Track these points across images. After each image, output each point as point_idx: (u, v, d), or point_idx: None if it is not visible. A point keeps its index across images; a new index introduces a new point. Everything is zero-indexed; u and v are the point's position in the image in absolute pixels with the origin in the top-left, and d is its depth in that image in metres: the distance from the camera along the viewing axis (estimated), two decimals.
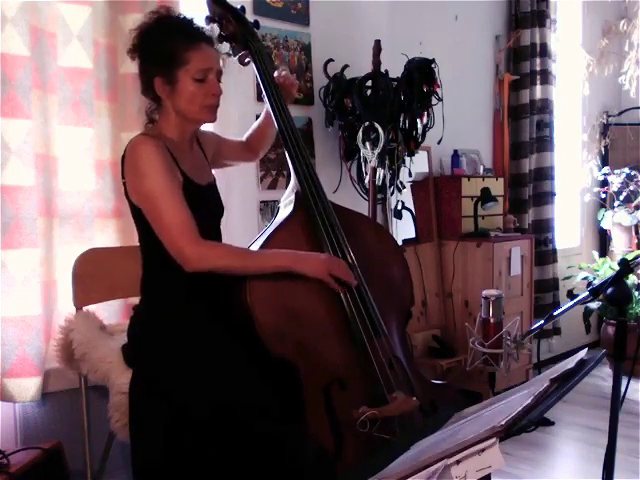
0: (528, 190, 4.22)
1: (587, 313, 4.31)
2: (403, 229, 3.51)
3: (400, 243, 3.38)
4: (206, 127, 1.98)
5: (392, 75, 3.03)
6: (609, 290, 1.52)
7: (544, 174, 4.32)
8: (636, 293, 4.18)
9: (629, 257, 1.61)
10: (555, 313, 1.77)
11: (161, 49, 1.73)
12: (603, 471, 1.50)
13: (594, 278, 4.34)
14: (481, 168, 3.96)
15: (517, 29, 4.20)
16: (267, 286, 1.71)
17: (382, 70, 3.01)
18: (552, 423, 3.36)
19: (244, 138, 2.16)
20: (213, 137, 2.04)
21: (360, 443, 1.63)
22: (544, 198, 4.33)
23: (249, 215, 2.85)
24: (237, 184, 2.75)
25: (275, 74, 2.03)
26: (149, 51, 1.75)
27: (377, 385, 1.70)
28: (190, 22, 1.80)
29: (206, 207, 1.80)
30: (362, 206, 2.96)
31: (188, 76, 1.73)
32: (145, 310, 1.82)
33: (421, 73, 3.03)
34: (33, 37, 2.15)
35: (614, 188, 4.69)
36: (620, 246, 4.74)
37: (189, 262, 1.66)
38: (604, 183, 4.81)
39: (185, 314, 1.75)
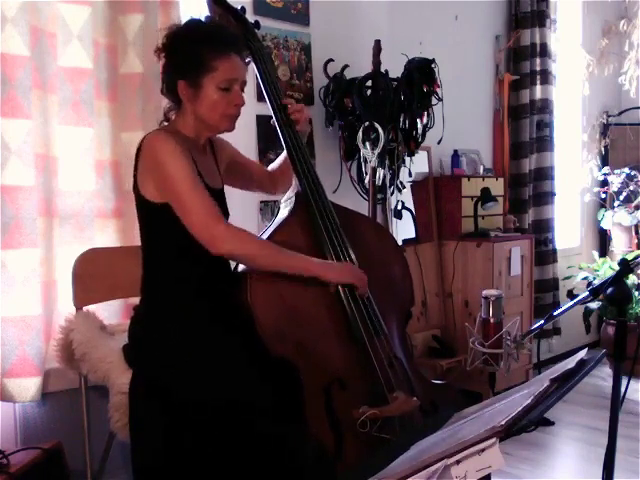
0: (528, 190, 4.22)
1: (587, 313, 4.31)
2: (403, 229, 3.51)
3: (400, 243, 3.38)
4: None
5: (392, 75, 3.04)
6: (609, 290, 1.52)
7: (544, 174, 4.32)
8: (636, 293, 4.18)
9: (629, 257, 1.61)
10: (555, 313, 1.77)
11: (190, 54, 1.73)
12: (603, 471, 1.50)
13: (594, 278, 4.34)
14: (481, 168, 3.96)
15: (517, 29, 4.20)
16: (268, 286, 1.71)
17: (382, 70, 3.01)
18: (552, 423, 3.36)
19: (269, 168, 2.12)
20: (229, 149, 2.02)
21: (360, 443, 1.63)
22: (544, 198, 4.33)
23: (249, 215, 2.85)
24: None
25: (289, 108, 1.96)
26: (177, 53, 1.75)
27: (377, 385, 1.70)
28: (223, 30, 1.81)
29: None
30: (362, 206, 2.96)
31: (213, 84, 1.73)
32: (145, 310, 1.82)
33: (421, 73, 3.03)
34: (33, 37, 2.15)
35: (614, 188, 4.69)
36: (620, 246, 4.74)
37: (218, 242, 1.66)
38: (604, 183, 4.81)
39: (185, 314, 1.75)
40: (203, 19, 1.94)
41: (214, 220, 1.67)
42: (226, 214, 1.93)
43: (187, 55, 1.73)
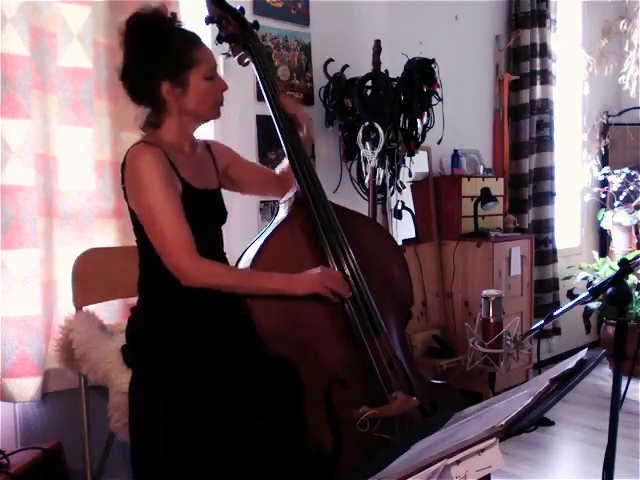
0: (528, 190, 4.22)
1: (587, 313, 4.31)
2: (403, 229, 3.51)
3: (400, 243, 3.38)
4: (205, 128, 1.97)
5: (392, 75, 3.03)
6: (609, 290, 1.52)
7: (544, 174, 4.32)
8: (636, 293, 4.18)
9: (629, 257, 1.61)
10: (555, 313, 1.77)
11: (169, 54, 1.70)
12: (603, 471, 1.50)
13: (594, 278, 4.34)
14: (481, 168, 3.96)
15: (517, 29, 4.20)
16: None
17: (382, 70, 3.01)
18: (552, 423, 3.36)
19: (277, 171, 2.08)
20: (227, 151, 2.02)
21: (360, 443, 1.63)
22: (544, 198, 4.33)
23: (249, 215, 2.85)
24: None
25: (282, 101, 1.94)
26: (153, 57, 1.71)
27: (377, 385, 1.70)
28: (177, 22, 1.78)
29: (205, 213, 1.79)
30: (362, 206, 2.96)
31: (199, 76, 1.73)
32: (143, 311, 1.82)
33: (421, 73, 3.03)
34: (33, 37, 2.15)
35: (614, 188, 4.69)
36: (620, 246, 4.74)
37: (185, 278, 1.68)
38: (604, 183, 4.81)
39: (184, 315, 1.75)
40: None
41: (180, 256, 1.67)
42: (221, 214, 1.92)
43: (166, 56, 1.70)
